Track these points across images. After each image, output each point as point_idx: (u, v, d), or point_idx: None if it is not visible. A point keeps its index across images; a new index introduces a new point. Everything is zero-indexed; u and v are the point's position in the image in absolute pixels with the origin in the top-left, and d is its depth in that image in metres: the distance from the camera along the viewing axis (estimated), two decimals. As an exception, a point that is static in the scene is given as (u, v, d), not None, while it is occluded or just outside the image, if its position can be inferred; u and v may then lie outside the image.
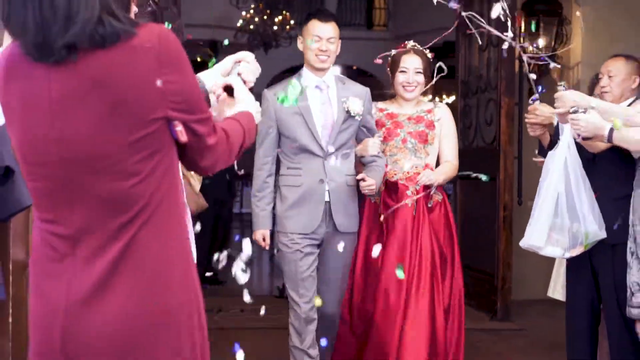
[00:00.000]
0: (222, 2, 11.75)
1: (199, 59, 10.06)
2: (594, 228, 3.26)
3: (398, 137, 3.88)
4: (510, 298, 6.03)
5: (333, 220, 3.66)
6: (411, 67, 3.86)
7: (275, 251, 3.79)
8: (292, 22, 12.25)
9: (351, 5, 15.86)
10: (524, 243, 3.40)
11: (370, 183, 3.57)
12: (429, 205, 3.82)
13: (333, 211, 3.66)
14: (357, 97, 3.72)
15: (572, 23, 6.60)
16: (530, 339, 5.42)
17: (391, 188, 3.85)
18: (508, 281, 5.99)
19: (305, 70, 3.77)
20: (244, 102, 1.88)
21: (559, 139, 3.40)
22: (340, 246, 3.46)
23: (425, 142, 3.87)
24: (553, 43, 6.55)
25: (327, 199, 3.66)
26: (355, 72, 14.04)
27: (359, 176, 3.60)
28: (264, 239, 3.72)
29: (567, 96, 3.25)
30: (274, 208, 3.73)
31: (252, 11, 12.11)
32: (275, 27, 12.23)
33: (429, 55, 3.92)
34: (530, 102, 3.75)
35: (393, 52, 3.97)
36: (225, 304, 6.01)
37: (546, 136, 3.73)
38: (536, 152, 3.95)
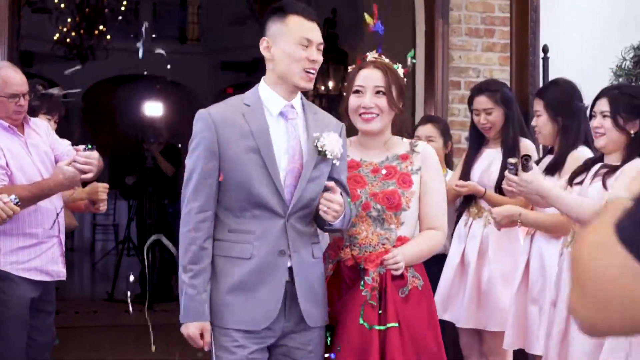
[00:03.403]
0: (39, 14, 12.19)
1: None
2: None
3: (357, 200, 2.60)
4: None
5: (299, 308, 2.44)
6: (369, 85, 2.60)
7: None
8: (108, 37, 12.90)
9: (166, 19, 16.62)
10: None
11: (336, 199, 2.37)
12: (402, 295, 2.54)
13: (299, 296, 2.43)
14: (334, 132, 2.51)
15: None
16: None
17: (344, 273, 2.60)
18: None
19: (265, 88, 2.50)
20: None
21: None
22: (307, 343, 2.47)
23: (396, 209, 2.59)
24: (340, 85, 8.07)
25: (288, 278, 2.44)
26: (169, 84, 14.80)
27: (329, 183, 2.41)
28: (201, 336, 2.41)
29: None
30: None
31: (69, 24, 12.64)
32: (92, 41, 12.83)
33: (401, 71, 2.69)
34: None
35: (351, 68, 2.72)
36: (63, 307, 6.84)
37: None
38: None
